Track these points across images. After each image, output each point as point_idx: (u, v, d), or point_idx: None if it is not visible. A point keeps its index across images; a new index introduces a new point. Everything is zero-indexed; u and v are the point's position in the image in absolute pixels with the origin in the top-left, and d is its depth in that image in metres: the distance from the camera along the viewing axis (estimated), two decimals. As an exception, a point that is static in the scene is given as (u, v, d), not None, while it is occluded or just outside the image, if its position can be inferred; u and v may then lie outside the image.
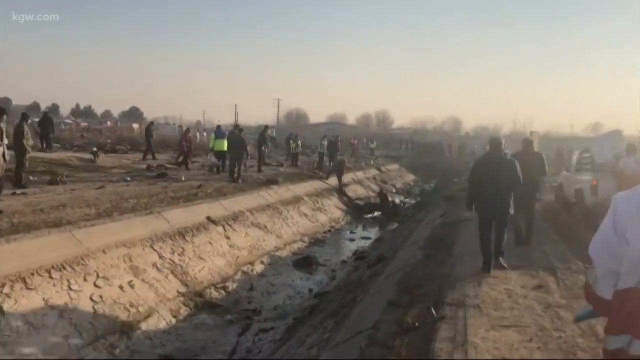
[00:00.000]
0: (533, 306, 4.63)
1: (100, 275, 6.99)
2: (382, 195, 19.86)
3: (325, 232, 14.36)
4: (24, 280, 5.97)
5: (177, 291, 7.77)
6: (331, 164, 22.84)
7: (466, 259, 6.73)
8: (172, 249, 8.72)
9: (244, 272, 9.50)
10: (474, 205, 6.12)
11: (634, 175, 8.32)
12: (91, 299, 6.52)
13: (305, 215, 14.90)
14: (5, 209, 8.07)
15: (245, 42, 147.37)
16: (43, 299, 5.99)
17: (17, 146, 10.12)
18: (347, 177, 20.71)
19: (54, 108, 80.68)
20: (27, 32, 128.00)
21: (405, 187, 28.24)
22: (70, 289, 6.44)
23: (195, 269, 8.59)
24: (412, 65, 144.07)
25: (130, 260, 7.72)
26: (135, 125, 49.76)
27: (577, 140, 32.90)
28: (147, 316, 6.88)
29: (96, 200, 9.68)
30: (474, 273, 5.87)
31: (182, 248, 8.93)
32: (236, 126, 16.32)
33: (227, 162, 15.75)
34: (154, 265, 8.03)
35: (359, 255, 11.50)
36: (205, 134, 37.59)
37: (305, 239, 12.99)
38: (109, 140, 24.64)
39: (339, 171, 19.81)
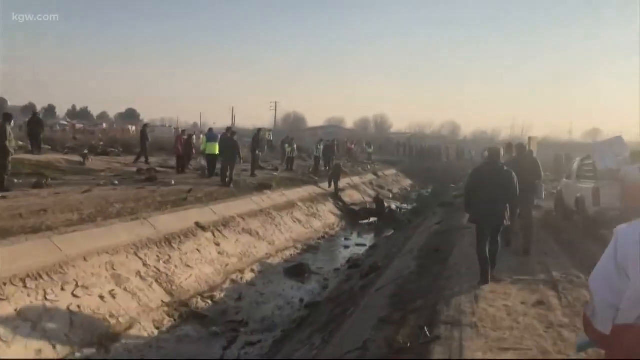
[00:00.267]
0: (534, 325, 4.32)
1: (80, 284, 6.68)
2: (378, 200, 19.55)
3: (319, 239, 14.02)
4: (-5, 290, 5.64)
5: (162, 301, 7.45)
6: (327, 168, 22.54)
7: (462, 270, 6.45)
8: (157, 256, 8.39)
9: (233, 281, 9.18)
10: (469, 216, 5.97)
11: (638, 185, 8.05)
12: (68, 309, 6.23)
13: (299, 221, 14.57)
14: (-19, 213, 7.75)
15: (243, 45, 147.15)
16: (15, 310, 5.69)
17: (-1, 148, 9.76)
18: (343, 182, 20.41)
19: (50, 109, 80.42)
20: (28, 32, 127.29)
21: (402, 192, 27.95)
22: (46, 299, 6.15)
23: (182, 278, 8.27)
24: (411, 69, 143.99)
25: (113, 269, 7.40)
26: (132, 127, 49.58)
27: (575, 147, 32.71)
28: (128, 327, 6.58)
29: (80, 205, 9.33)
30: (471, 287, 5.58)
31: (169, 255, 8.60)
32: (228, 129, 15.92)
33: (220, 166, 15.40)
34: (138, 273, 7.70)
35: (352, 263, 11.17)
36: (202, 136, 37.20)
37: (298, 245, 12.66)
38: (102, 143, 24.26)
39: (335, 176, 19.57)
